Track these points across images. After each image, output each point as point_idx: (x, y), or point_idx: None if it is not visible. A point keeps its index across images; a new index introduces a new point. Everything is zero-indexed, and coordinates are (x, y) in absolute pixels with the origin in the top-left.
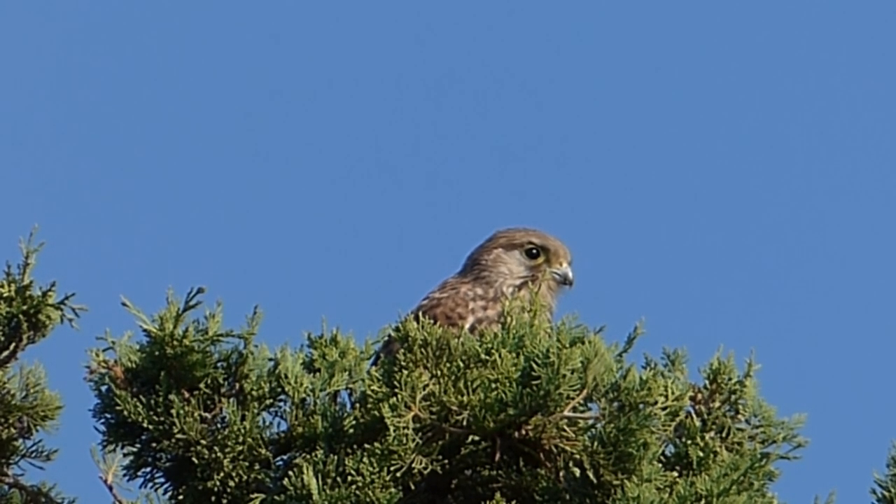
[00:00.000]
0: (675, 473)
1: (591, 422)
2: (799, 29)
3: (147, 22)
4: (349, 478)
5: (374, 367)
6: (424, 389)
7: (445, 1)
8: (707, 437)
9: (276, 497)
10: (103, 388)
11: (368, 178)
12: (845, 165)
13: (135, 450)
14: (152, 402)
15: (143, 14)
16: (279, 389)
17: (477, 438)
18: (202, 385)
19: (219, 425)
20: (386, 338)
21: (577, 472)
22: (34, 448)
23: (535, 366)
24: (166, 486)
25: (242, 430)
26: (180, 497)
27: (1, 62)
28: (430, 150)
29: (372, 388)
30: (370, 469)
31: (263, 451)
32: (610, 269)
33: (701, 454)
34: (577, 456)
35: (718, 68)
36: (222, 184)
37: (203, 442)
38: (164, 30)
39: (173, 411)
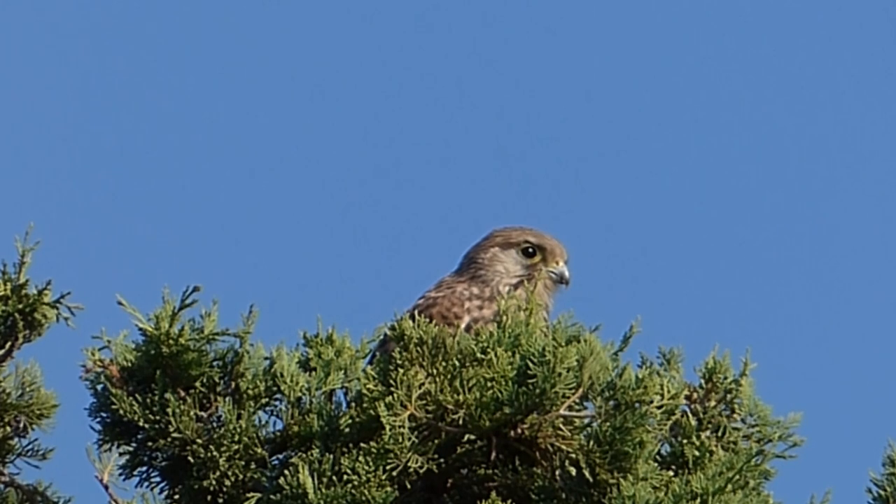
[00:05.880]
0: (671, 472)
1: (586, 420)
2: (799, 29)
3: (145, 21)
4: (345, 477)
5: (369, 366)
6: (420, 388)
7: (446, 1)
8: (703, 436)
9: (272, 496)
10: (99, 387)
11: (365, 177)
12: (843, 165)
13: (131, 449)
14: (148, 400)
15: (139, 13)
16: (275, 388)
17: (473, 437)
18: (198, 384)
19: (215, 424)
20: (382, 336)
21: (573, 470)
22: (30, 447)
23: (530, 364)
24: (162, 485)
25: (238, 429)
26: (176, 496)
27: None
28: (427, 149)
29: (368, 386)
30: (366, 468)
31: (259, 450)
32: (606, 268)
33: (697, 453)
34: (573, 455)
35: (718, 68)
36: (218, 183)
37: (199, 441)
38: (161, 29)
39: (169, 410)
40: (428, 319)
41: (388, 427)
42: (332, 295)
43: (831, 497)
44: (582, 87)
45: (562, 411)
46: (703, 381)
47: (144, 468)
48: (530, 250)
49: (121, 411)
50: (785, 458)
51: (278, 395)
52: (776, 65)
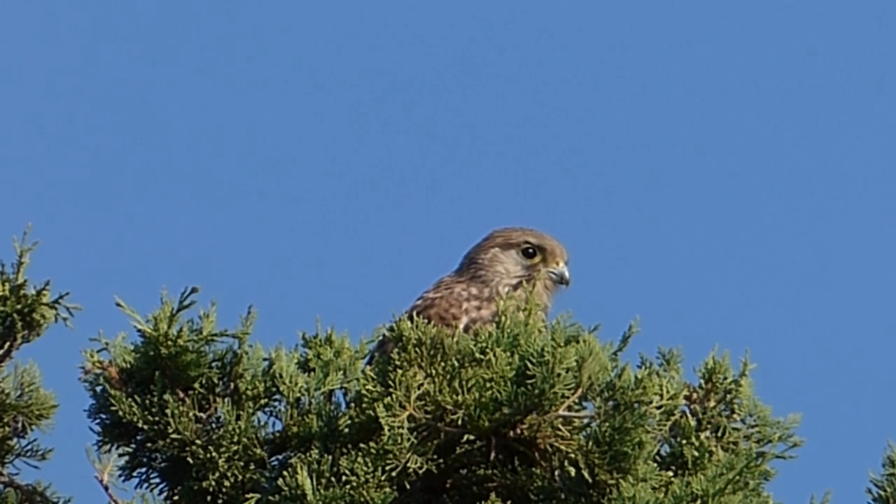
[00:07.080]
0: (671, 473)
1: (586, 421)
2: (799, 29)
3: (144, 20)
4: (344, 477)
5: (368, 367)
6: (419, 389)
7: (446, 0)
8: (702, 436)
9: (270, 497)
10: (98, 389)
11: (364, 177)
12: (842, 165)
13: (130, 450)
14: (147, 402)
15: (138, 13)
16: (274, 389)
17: (472, 438)
18: (197, 385)
19: (214, 425)
20: (380, 337)
21: (573, 471)
22: (29, 447)
23: (529, 365)
24: (162, 486)
25: (237, 430)
26: (176, 497)
27: None
28: (426, 149)
29: (367, 387)
30: (365, 469)
31: (258, 451)
32: (606, 268)
33: (696, 454)
34: (573, 455)
35: (718, 68)
36: (217, 183)
37: (198, 442)
38: (160, 28)
39: (168, 411)
40: (426, 320)
41: (387, 428)
42: (332, 295)
43: (831, 497)
44: (582, 87)
45: (561, 412)
46: (702, 381)
47: (144, 469)
48: (530, 251)
49: (120, 412)
50: (785, 459)
51: (277, 396)
52: (776, 65)
